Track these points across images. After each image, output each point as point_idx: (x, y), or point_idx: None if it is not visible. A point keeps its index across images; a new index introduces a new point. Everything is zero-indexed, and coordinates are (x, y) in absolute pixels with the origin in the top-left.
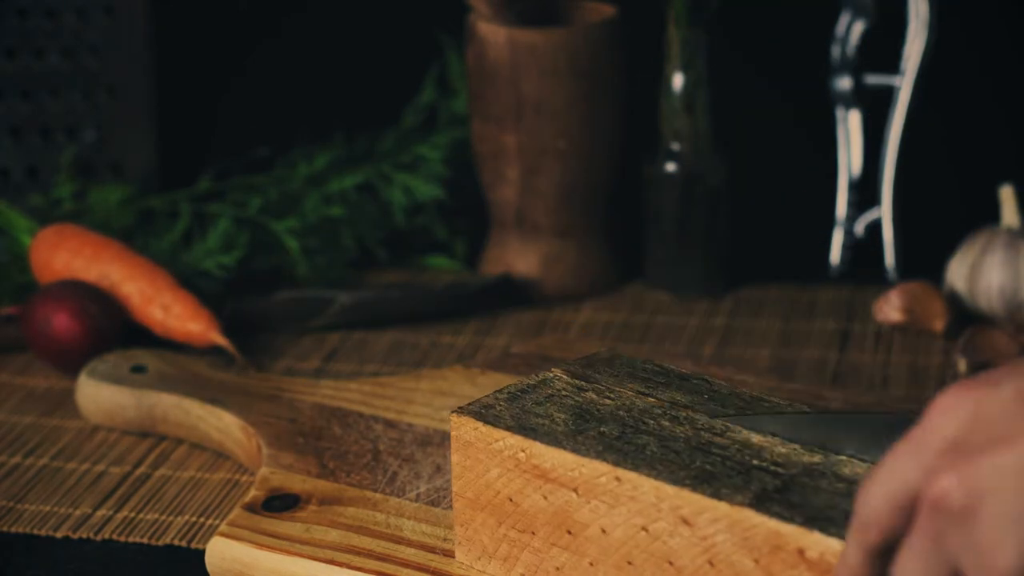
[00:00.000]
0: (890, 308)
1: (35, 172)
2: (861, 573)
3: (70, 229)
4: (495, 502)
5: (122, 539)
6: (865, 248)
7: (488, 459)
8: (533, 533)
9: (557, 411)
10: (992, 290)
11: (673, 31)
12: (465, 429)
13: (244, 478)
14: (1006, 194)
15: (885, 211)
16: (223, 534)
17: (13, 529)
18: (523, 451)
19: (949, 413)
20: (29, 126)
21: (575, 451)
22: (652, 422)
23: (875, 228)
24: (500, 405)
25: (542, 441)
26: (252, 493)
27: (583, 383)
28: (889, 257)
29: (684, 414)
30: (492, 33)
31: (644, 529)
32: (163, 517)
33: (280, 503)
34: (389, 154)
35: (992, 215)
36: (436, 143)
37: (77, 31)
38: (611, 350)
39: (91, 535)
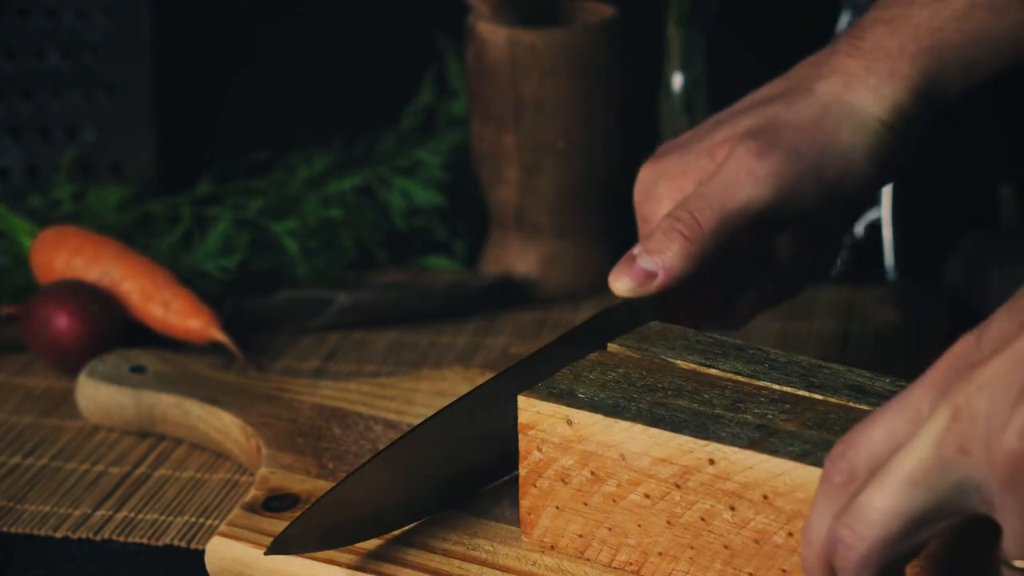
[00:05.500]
0: (890, 308)
1: (35, 172)
2: None
3: (71, 230)
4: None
5: (121, 539)
6: (865, 248)
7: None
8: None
9: (632, 387)
10: (992, 290)
11: (673, 31)
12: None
13: (243, 478)
14: (1006, 194)
15: (885, 211)
16: (223, 534)
17: (13, 529)
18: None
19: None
20: (29, 126)
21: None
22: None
23: (875, 228)
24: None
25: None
26: (252, 493)
27: (645, 357)
28: (889, 257)
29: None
30: (492, 33)
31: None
32: (162, 517)
33: (280, 503)
34: (388, 157)
35: (992, 215)
36: (435, 148)
37: (77, 31)
38: (661, 323)
39: (91, 535)
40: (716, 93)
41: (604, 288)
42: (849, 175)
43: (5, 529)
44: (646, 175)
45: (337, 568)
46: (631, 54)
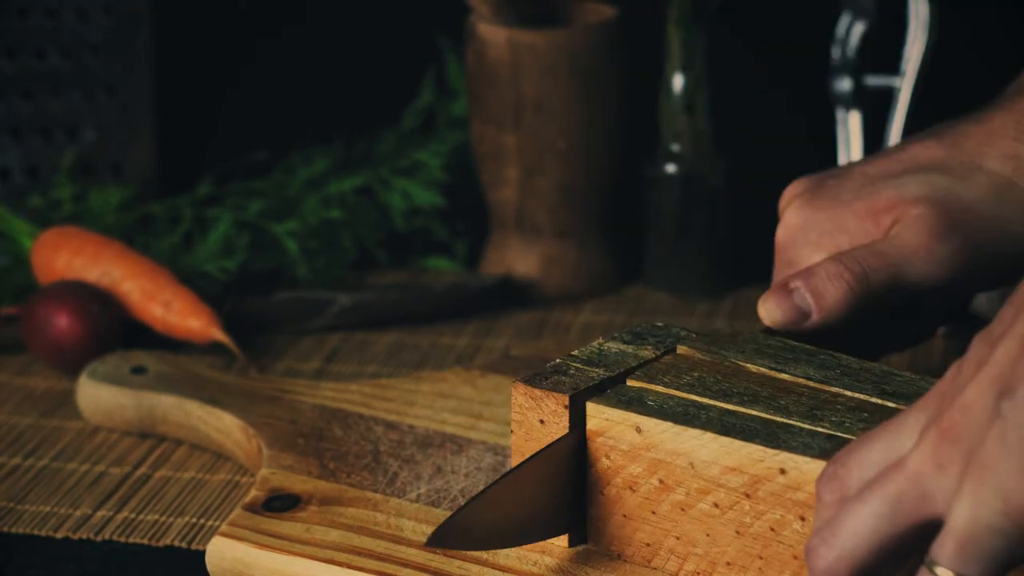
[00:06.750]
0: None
1: (35, 172)
2: None
3: (71, 230)
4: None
5: (122, 540)
6: None
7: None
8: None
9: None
10: (992, 290)
11: (673, 31)
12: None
13: (244, 479)
14: None
15: None
16: (224, 534)
17: (13, 529)
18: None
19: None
20: (29, 126)
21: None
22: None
23: None
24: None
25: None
26: (252, 493)
27: (716, 360)
28: None
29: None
30: (492, 33)
31: None
32: (163, 518)
33: (280, 503)
34: (388, 157)
35: None
36: (435, 149)
37: (77, 31)
38: (731, 325)
39: (91, 536)
40: (716, 93)
41: (604, 289)
42: (1020, 263)
43: (5, 529)
44: (796, 218)
45: (337, 568)
46: (631, 54)
